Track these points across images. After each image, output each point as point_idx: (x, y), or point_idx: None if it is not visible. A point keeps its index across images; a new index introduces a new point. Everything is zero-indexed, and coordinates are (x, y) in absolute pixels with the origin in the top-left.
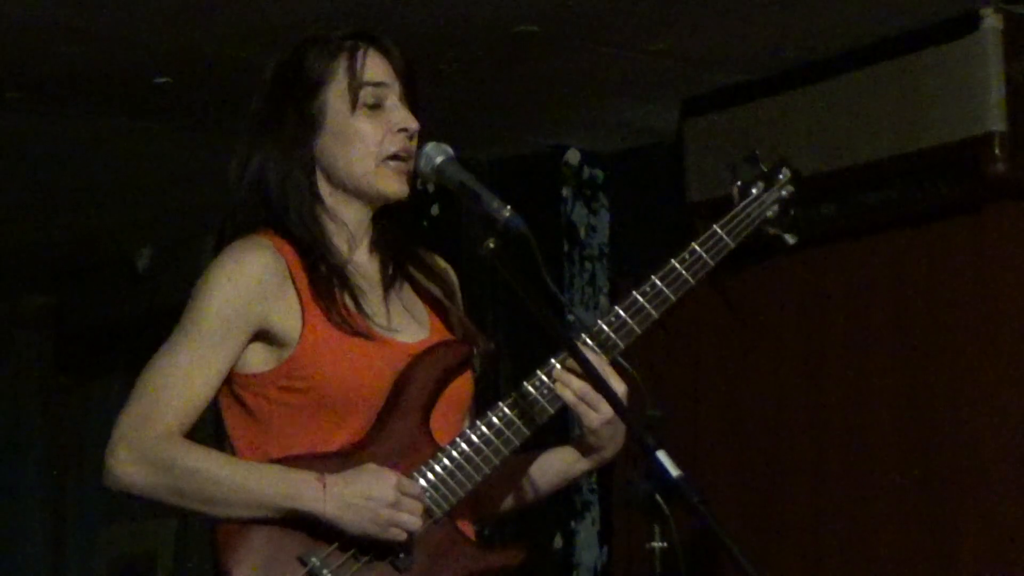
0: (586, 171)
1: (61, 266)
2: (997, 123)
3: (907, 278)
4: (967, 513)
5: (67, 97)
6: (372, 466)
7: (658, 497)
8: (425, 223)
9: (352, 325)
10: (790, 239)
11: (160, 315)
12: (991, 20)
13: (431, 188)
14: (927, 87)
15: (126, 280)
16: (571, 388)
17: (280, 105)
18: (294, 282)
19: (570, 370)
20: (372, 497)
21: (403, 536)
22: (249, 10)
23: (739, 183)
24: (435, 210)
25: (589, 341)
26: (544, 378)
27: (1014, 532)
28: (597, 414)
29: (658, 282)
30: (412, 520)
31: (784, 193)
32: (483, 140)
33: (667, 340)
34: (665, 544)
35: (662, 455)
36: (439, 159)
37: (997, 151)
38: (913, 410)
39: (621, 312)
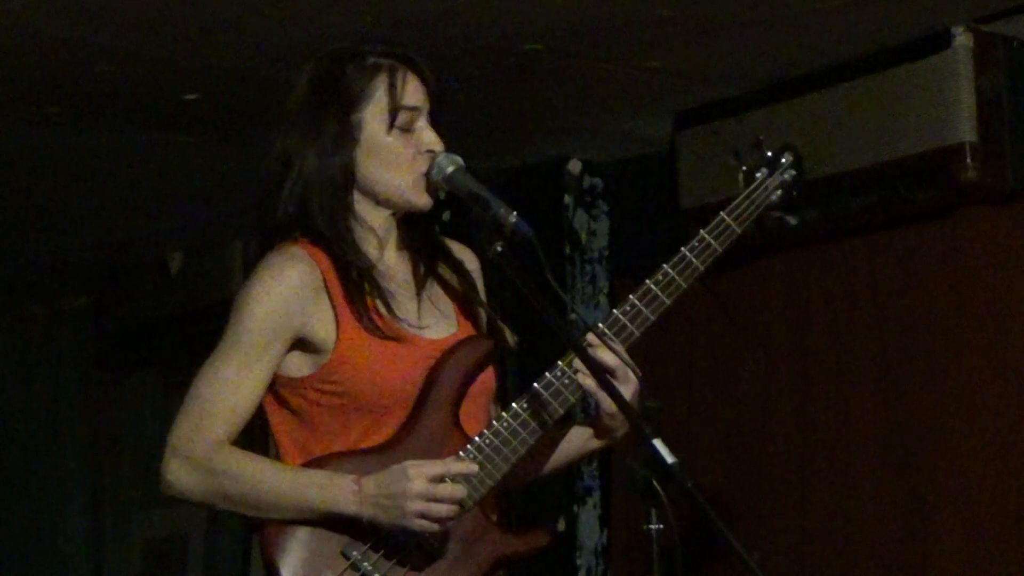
0: (586, 180)
1: (99, 269)
2: (968, 133)
3: (885, 277)
4: (941, 495)
5: (104, 112)
6: (399, 465)
7: (655, 482)
8: (438, 228)
9: (383, 329)
10: (792, 220)
11: (191, 314)
12: (962, 38)
13: (442, 195)
14: (903, 100)
15: (159, 282)
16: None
17: (319, 114)
18: (328, 290)
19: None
20: (396, 494)
21: (433, 527)
22: (272, 30)
23: (744, 169)
24: (446, 216)
25: (606, 329)
26: (564, 368)
27: (984, 514)
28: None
29: (670, 270)
30: (445, 508)
31: (787, 177)
32: (491, 151)
33: (663, 337)
34: (661, 526)
35: (658, 443)
36: (450, 168)
37: (968, 159)
38: (891, 400)
39: (636, 301)
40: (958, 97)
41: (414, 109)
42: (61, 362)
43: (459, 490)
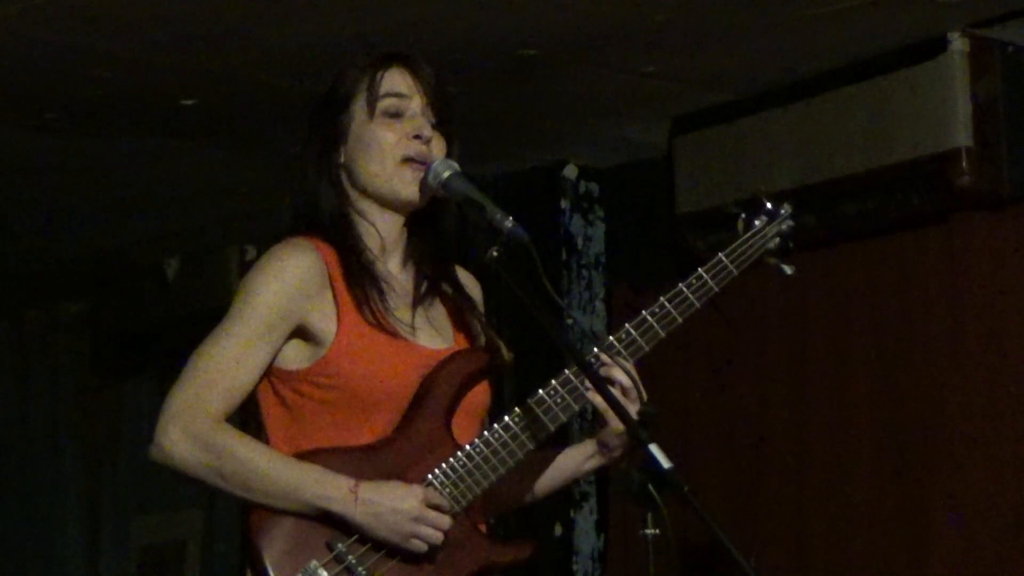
0: (583, 185)
1: (96, 275)
2: (964, 139)
3: (882, 282)
4: (938, 501)
5: (101, 118)
6: (400, 483)
7: (651, 487)
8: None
9: (382, 322)
10: (788, 269)
11: (188, 320)
12: (958, 43)
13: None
14: (899, 105)
15: (156, 288)
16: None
17: (315, 122)
18: (332, 283)
19: (605, 376)
20: (399, 510)
21: (423, 548)
22: (269, 36)
23: (743, 216)
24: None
25: (619, 346)
26: (558, 387)
27: (980, 518)
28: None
29: (666, 304)
30: (434, 534)
31: (784, 227)
32: (487, 156)
33: (659, 341)
34: (657, 531)
35: (655, 448)
36: (446, 174)
37: (964, 165)
38: (888, 406)
39: (631, 330)
40: (954, 102)
41: (398, 96)
42: (58, 368)
43: (448, 521)
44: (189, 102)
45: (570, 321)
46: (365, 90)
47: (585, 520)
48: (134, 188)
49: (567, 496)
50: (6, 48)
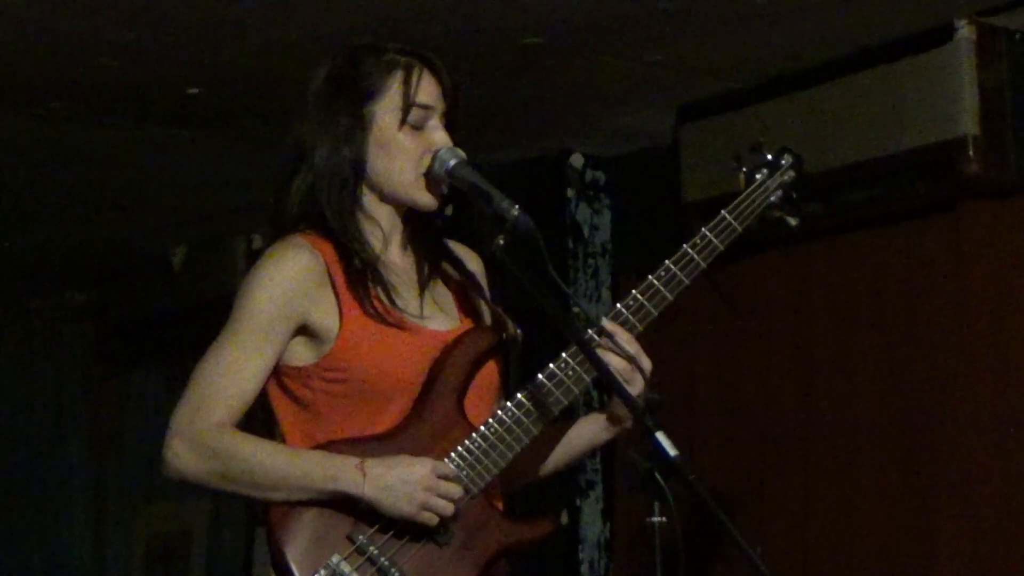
0: (589, 174)
1: (102, 265)
2: (971, 127)
3: (888, 270)
4: (944, 492)
5: (106, 107)
6: (408, 456)
7: (657, 475)
8: (440, 222)
9: (385, 316)
10: (792, 221)
11: (193, 309)
12: (965, 31)
13: (445, 189)
14: (906, 93)
15: (162, 277)
16: (611, 364)
17: (333, 107)
18: (332, 280)
19: (607, 348)
20: (408, 481)
21: (435, 520)
22: (274, 25)
23: (744, 170)
24: (448, 210)
25: (611, 322)
26: (569, 360)
27: (986, 509)
28: (632, 388)
29: (672, 266)
30: (445, 504)
31: (786, 178)
32: (493, 145)
33: (665, 330)
34: (664, 519)
35: (661, 436)
36: (452, 162)
37: (971, 153)
38: (894, 395)
39: (639, 295)
40: (960, 90)
41: (427, 107)
42: (64, 357)
43: (459, 491)
44: (194, 91)
45: (576, 310)
46: (396, 91)
47: (591, 508)
48: (140, 177)
49: (573, 484)
50: (12, 37)
